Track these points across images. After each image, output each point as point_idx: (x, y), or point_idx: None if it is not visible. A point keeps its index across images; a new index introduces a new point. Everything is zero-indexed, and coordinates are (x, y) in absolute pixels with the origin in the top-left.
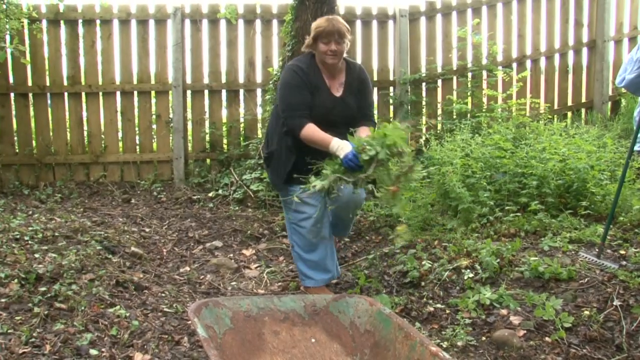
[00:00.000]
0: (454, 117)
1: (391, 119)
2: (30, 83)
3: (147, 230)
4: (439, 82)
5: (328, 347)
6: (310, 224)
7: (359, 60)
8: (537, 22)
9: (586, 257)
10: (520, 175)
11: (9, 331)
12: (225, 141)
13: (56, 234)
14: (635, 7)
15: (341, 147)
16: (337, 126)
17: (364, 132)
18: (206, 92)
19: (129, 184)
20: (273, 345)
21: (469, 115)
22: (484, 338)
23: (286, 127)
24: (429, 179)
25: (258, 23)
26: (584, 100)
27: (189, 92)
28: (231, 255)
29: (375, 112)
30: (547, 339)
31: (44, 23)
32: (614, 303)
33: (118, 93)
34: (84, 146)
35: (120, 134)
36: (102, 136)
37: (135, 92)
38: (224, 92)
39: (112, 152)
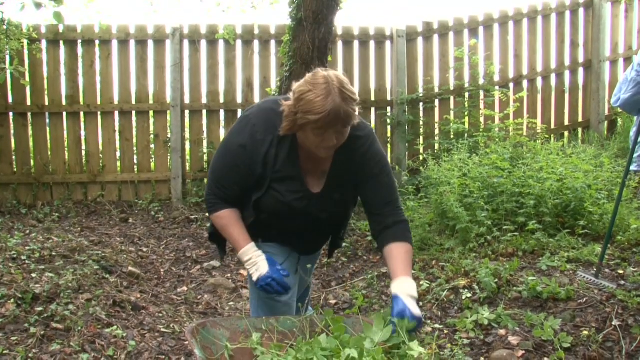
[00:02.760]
0: (452, 136)
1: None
2: (29, 102)
3: (145, 250)
4: (437, 102)
5: None
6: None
7: (356, 81)
8: (534, 43)
9: (584, 277)
10: (517, 194)
11: (5, 352)
12: None
13: (53, 253)
14: (630, 27)
15: (255, 264)
16: (319, 221)
17: (398, 259)
18: (204, 112)
19: (126, 203)
20: None
21: (466, 135)
22: (482, 358)
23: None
24: (426, 199)
25: (256, 43)
26: (580, 119)
27: (187, 112)
28: (229, 275)
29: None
30: (546, 359)
31: (44, 43)
32: (613, 323)
33: (116, 113)
34: (82, 165)
35: (118, 154)
36: (100, 156)
37: (134, 112)
38: (222, 112)
39: (110, 171)
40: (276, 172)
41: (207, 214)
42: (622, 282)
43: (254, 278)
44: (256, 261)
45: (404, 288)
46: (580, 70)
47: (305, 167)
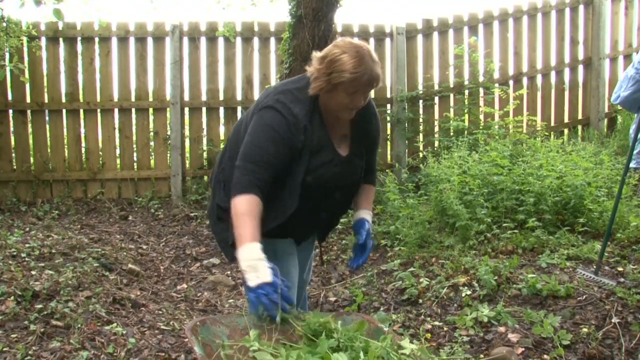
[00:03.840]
0: (451, 134)
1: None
2: (28, 100)
3: (145, 247)
4: (436, 99)
5: None
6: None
7: None
8: (534, 40)
9: (584, 274)
10: (517, 192)
11: (5, 349)
12: None
13: (53, 251)
14: (630, 25)
15: (254, 268)
16: (332, 195)
17: (365, 198)
18: (204, 109)
19: (126, 201)
20: None
21: (466, 132)
22: (482, 356)
23: (223, 180)
24: (426, 196)
25: (256, 41)
26: (580, 117)
27: (186, 109)
28: (228, 272)
29: None
30: (545, 356)
31: (43, 40)
32: (613, 320)
33: (116, 110)
34: (81, 163)
35: (118, 151)
36: (100, 153)
37: (133, 110)
38: (221, 110)
39: (110, 169)
40: (312, 142)
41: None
42: (622, 280)
43: (252, 283)
44: (257, 265)
45: (369, 216)
46: (580, 68)
47: (330, 132)
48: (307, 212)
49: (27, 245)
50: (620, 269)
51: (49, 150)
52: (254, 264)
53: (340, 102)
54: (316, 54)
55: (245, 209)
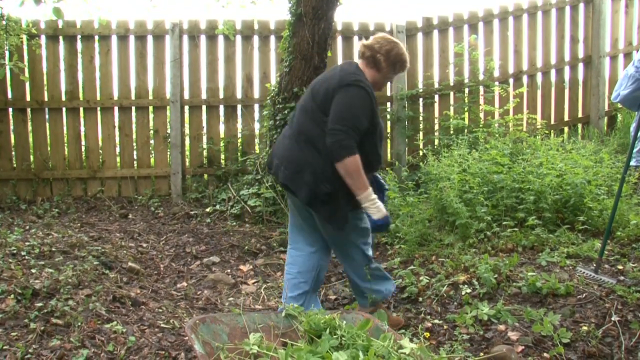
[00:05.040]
0: (451, 132)
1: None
2: (28, 98)
3: (145, 245)
4: (436, 97)
5: None
6: (371, 236)
7: None
8: (534, 38)
9: (584, 273)
10: (517, 190)
11: (5, 347)
12: (222, 156)
13: (53, 249)
14: (630, 23)
15: (377, 204)
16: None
17: None
18: (204, 107)
19: (126, 199)
20: None
21: (466, 130)
22: (482, 354)
23: (332, 142)
24: (426, 194)
25: (256, 39)
26: (580, 115)
27: (186, 108)
28: (228, 270)
29: None
30: (545, 354)
31: (43, 39)
32: (612, 318)
33: (116, 108)
34: (81, 161)
35: (118, 149)
36: (100, 151)
37: (133, 108)
38: (221, 108)
39: (110, 167)
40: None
41: (206, 210)
42: (622, 278)
43: (376, 216)
44: (377, 202)
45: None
46: (580, 66)
47: None
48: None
49: (27, 243)
50: (620, 267)
51: (49, 149)
52: (376, 202)
53: (388, 77)
54: (366, 46)
55: (357, 165)
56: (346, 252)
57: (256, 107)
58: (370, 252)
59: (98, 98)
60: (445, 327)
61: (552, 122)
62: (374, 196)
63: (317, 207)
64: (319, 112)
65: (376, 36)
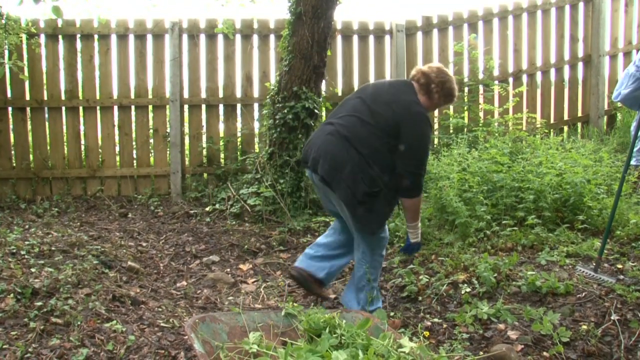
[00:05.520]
0: (451, 131)
1: None
2: (28, 97)
3: (144, 244)
4: None
5: None
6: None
7: (355, 75)
8: (533, 37)
9: (583, 272)
10: (517, 189)
11: (5, 346)
12: (222, 155)
13: (53, 248)
14: (630, 22)
15: (418, 232)
16: None
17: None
18: (203, 106)
19: (126, 198)
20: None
21: (465, 129)
22: (481, 353)
23: (412, 183)
24: (426, 193)
25: (255, 38)
26: (580, 114)
27: (186, 107)
28: (228, 269)
29: None
30: (545, 353)
31: (42, 38)
32: (612, 317)
33: (115, 107)
34: (81, 160)
35: (117, 148)
36: (100, 150)
37: (133, 107)
38: (221, 107)
39: (110, 166)
40: None
41: (206, 209)
42: (621, 277)
43: (414, 240)
44: (420, 230)
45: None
46: (580, 65)
47: None
48: None
49: (26, 242)
50: (619, 266)
51: (48, 148)
52: (419, 229)
53: (437, 107)
54: (422, 72)
55: (420, 202)
56: (368, 261)
57: (256, 106)
58: (378, 265)
59: (97, 97)
60: (444, 326)
61: (552, 121)
62: (420, 225)
63: (353, 206)
64: (379, 132)
65: (431, 65)
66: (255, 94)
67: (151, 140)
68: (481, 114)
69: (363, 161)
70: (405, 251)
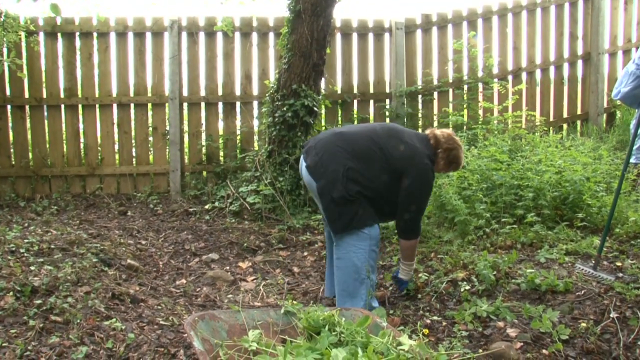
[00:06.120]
0: (450, 129)
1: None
2: (27, 95)
3: (143, 242)
4: (435, 94)
5: None
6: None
7: (355, 73)
8: (532, 35)
9: (583, 269)
10: (516, 187)
11: (4, 344)
12: (221, 153)
13: (52, 246)
14: (629, 20)
15: (411, 272)
16: None
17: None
18: (203, 104)
19: (125, 196)
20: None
21: (465, 127)
22: (481, 350)
23: (410, 225)
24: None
25: (254, 36)
26: (579, 112)
27: (185, 105)
28: (227, 267)
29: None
30: (544, 351)
31: (41, 36)
32: (611, 315)
33: (115, 105)
34: (80, 158)
35: (116, 146)
36: (99, 148)
37: (132, 105)
38: (220, 105)
39: (109, 164)
40: None
41: (205, 207)
42: (620, 275)
43: (404, 277)
44: (413, 270)
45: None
46: (579, 63)
47: None
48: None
49: (25, 240)
50: (618, 263)
51: (47, 146)
52: (413, 269)
53: (442, 172)
54: (435, 136)
55: (416, 245)
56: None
57: (255, 104)
58: (372, 262)
59: (97, 95)
60: (444, 323)
61: (551, 119)
62: (415, 266)
63: (327, 201)
64: (384, 163)
65: (444, 132)
66: (255, 91)
67: (150, 138)
68: (480, 112)
69: (354, 171)
70: (394, 281)
